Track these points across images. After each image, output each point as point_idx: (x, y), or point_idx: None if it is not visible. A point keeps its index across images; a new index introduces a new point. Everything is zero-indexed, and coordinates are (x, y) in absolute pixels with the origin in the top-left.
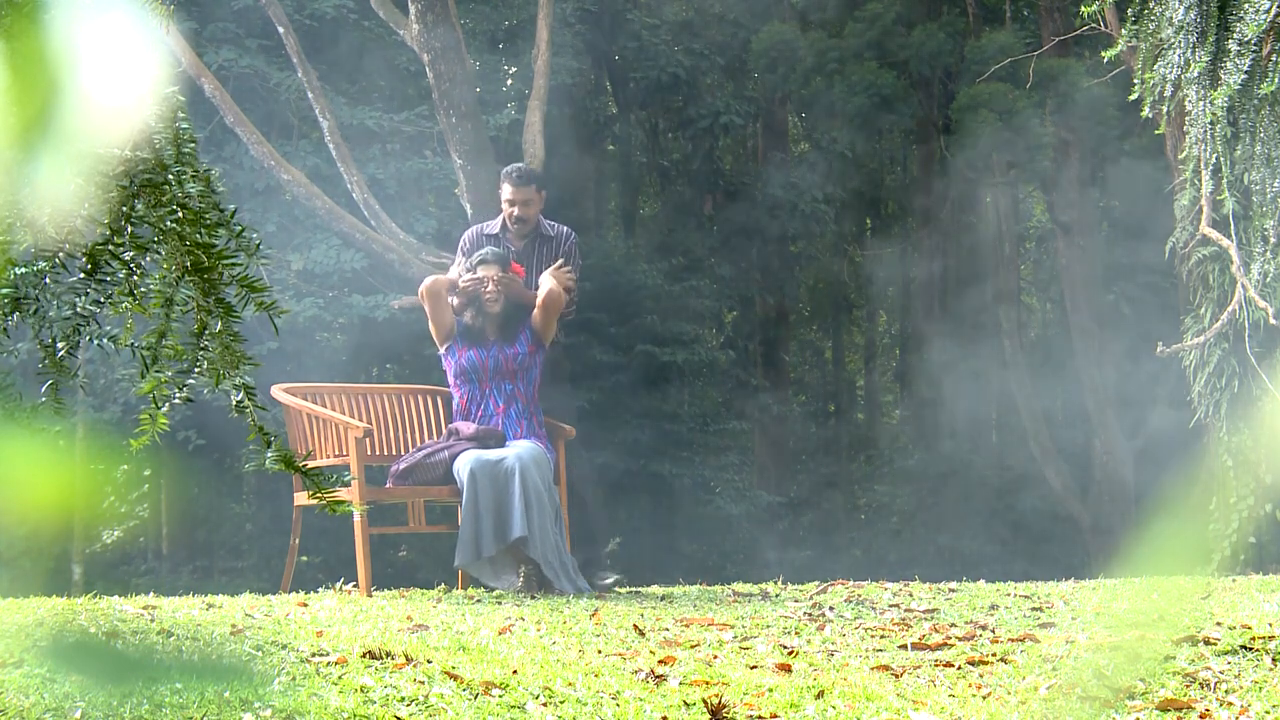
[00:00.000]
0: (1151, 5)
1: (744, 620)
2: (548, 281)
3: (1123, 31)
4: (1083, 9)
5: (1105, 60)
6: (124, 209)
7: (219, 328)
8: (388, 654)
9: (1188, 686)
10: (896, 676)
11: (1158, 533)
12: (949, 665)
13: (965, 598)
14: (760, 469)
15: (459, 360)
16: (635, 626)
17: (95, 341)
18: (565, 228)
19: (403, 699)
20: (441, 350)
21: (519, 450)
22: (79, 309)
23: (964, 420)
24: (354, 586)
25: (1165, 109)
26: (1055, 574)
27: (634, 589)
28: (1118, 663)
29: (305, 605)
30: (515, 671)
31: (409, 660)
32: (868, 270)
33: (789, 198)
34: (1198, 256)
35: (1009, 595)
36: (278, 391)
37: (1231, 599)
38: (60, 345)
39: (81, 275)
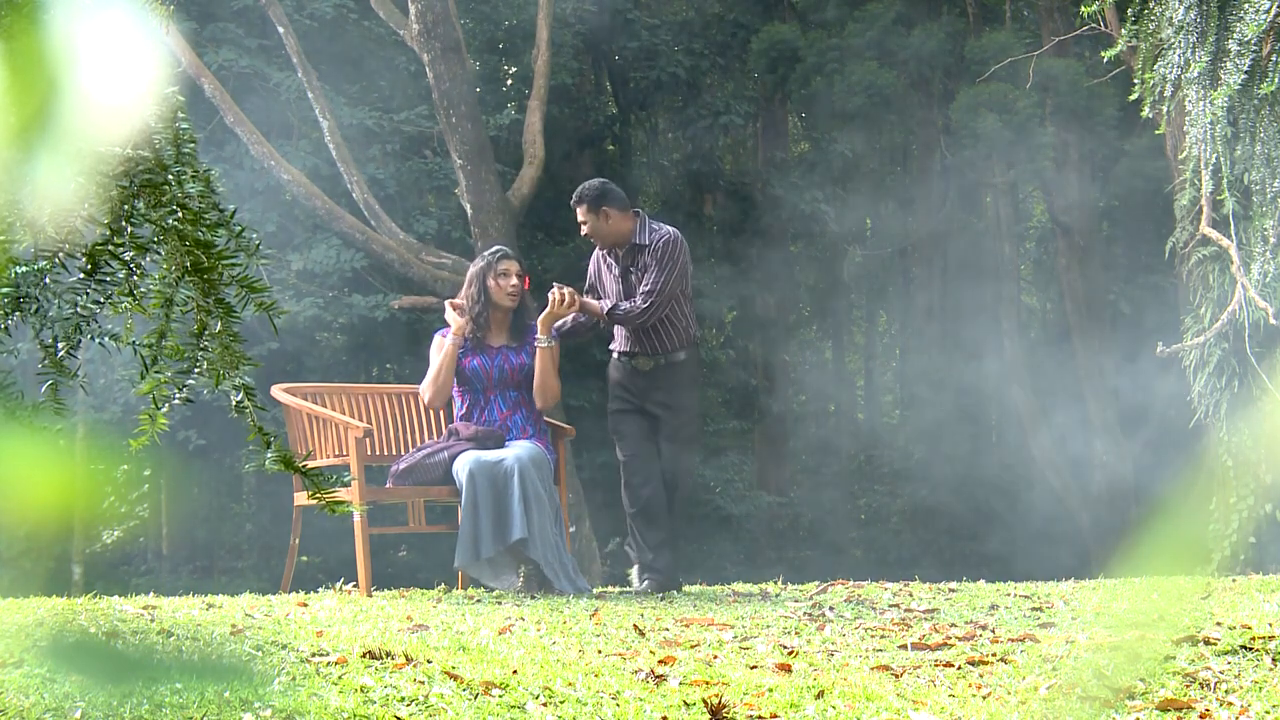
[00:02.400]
0: (1151, 5)
1: (744, 620)
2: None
3: (1123, 31)
4: (1083, 9)
5: (1105, 60)
6: (124, 209)
7: (219, 328)
8: (388, 654)
9: (1188, 686)
10: (896, 676)
11: (1158, 533)
12: (949, 665)
13: (965, 598)
14: (760, 469)
15: (464, 367)
16: (635, 626)
17: (95, 341)
18: (661, 233)
19: (403, 699)
20: (425, 402)
21: (518, 451)
22: (79, 309)
23: (964, 420)
24: (354, 586)
25: (1165, 109)
26: (1055, 574)
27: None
28: (1118, 663)
29: (305, 605)
30: (515, 671)
31: (409, 660)
32: (868, 270)
33: (789, 198)
34: (1198, 256)
35: (1009, 595)
36: (278, 391)
37: (1231, 599)
38: (60, 345)
39: (81, 275)
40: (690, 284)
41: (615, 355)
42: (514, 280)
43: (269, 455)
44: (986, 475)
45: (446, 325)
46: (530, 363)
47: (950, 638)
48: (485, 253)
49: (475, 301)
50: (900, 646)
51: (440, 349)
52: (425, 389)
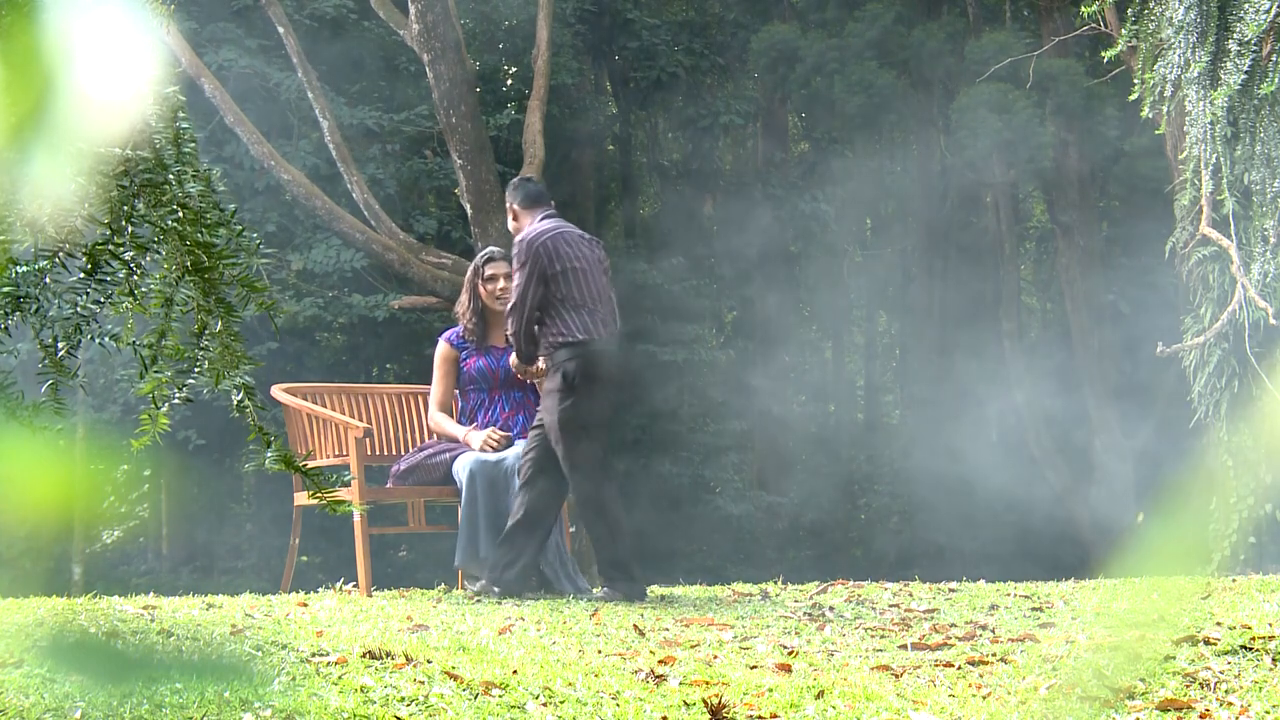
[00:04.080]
0: (1151, 5)
1: (744, 620)
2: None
3: (1123, 31)
4: (1083, 9)
5: (1105, 60)
6: (124, 209)
7: (219, 328)
8: (388, 654)
9: (1188, 686)
10: (896, 676)
11: (1158, 533)
12: (949, 665)
13: (965, 598)
14: (760, 469)
15: (469, 369)
16: (635, 626)
17: (95, 341)
18: (519, 235)
19: (403, 699)
20: (430, 424)
21: (518, 451)
22: (79, 308)
23: (964, 420)
24: (354, 586)
25: (1165, 109)
26: (1055, 574)
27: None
28: (1118, 663)
29: (305, 605)
30: (515, 671)
31: (409, 660)
32: (868, 270)
33: (789, 198)
34: (1198, 256)
35: (1009, 595)
36: (278, 391)
37: (1231, 599)
38: (60, 345)
39: (81, 275)
40: (564, 287)
41: None
42: (500, 283)
43: (269, 455)
44: (986, 475)
45: (450, 327)
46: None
47: (950, 638)
48: (476, 258)
49: (468, 306)
50: (900, 646)
51: (444, 359)
52: (432, 411)
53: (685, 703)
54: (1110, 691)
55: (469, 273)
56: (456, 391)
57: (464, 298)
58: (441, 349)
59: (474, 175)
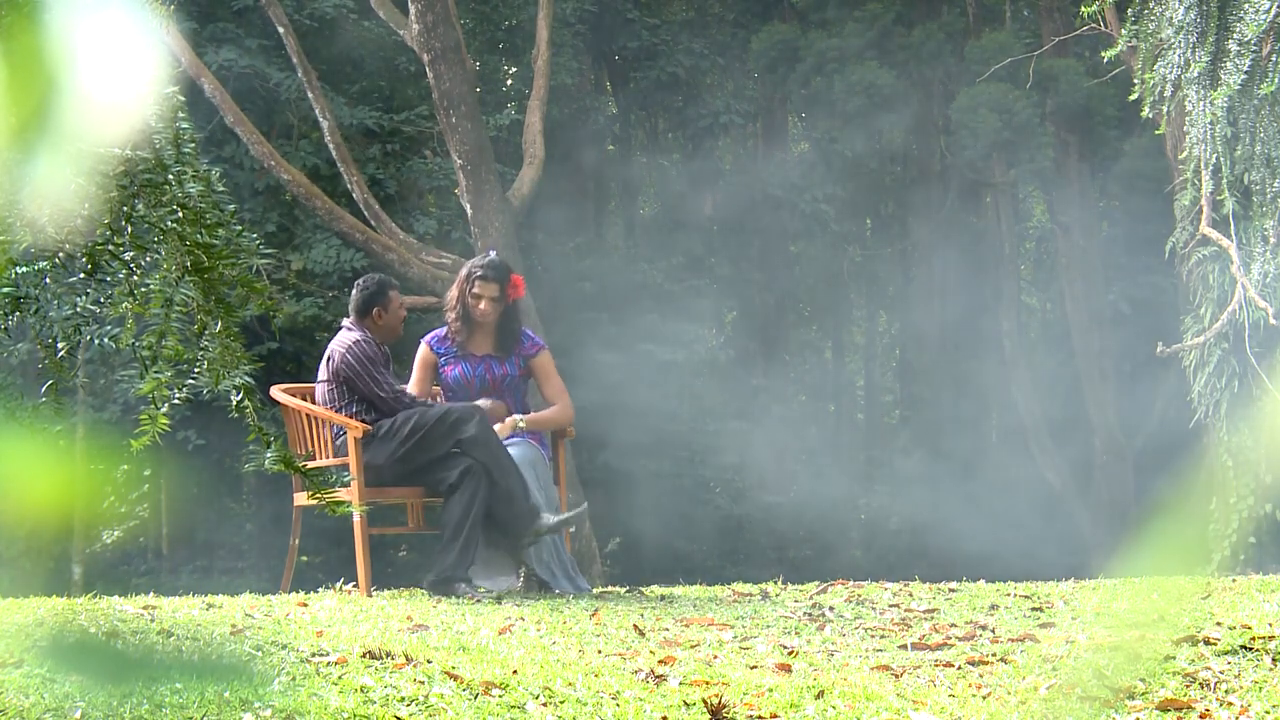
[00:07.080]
0: (1151, 5)
1: (744, 620)
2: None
3: (1123, 31)
4: (1083, 9)
5: (1105, 60)
6: (124, 209)
7: (219, 328)
8: (388, 654)
9: (1188, 686)
10: (896, 676)
11: (1158, 533)
12: (949, 665)
13: (965, 598)
14: (760, 469)
15: (446, 375)
16: (635, 626)
17: (95, 341)
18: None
19: (403, 699)
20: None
21: (511, 451)
22: (79, 309)
23: (963, 420)
24: (354, 586)
25: (1165, 109)
26: (1055, 574)
27: (634, 589)
28: (1118, 663)
29: (305, 605)
30: (515, 671)
31: (409, 660)
32: (868, 270)
33: (789, 198)
34: (1198, 256)
35: (1009, 595)
36: (278, 392)
37: (1231, 599)
38: (60, 345)
39: (81, 275)
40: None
41: None
42: (482, 305)
43: (269, 455)
44: (986, 475)
45: (434, 330)
46: (513, 375)
47: (950, 638)
48: (471, 262)
49: (455, 307)
50: (900, 646)
51: (423, 362)
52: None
53: (685, 703)
54: (1110, 691)
55: (460, 277)
56: (441, 398)
57: (453, 298)
58: (421, 351)
59: (474, 175)
